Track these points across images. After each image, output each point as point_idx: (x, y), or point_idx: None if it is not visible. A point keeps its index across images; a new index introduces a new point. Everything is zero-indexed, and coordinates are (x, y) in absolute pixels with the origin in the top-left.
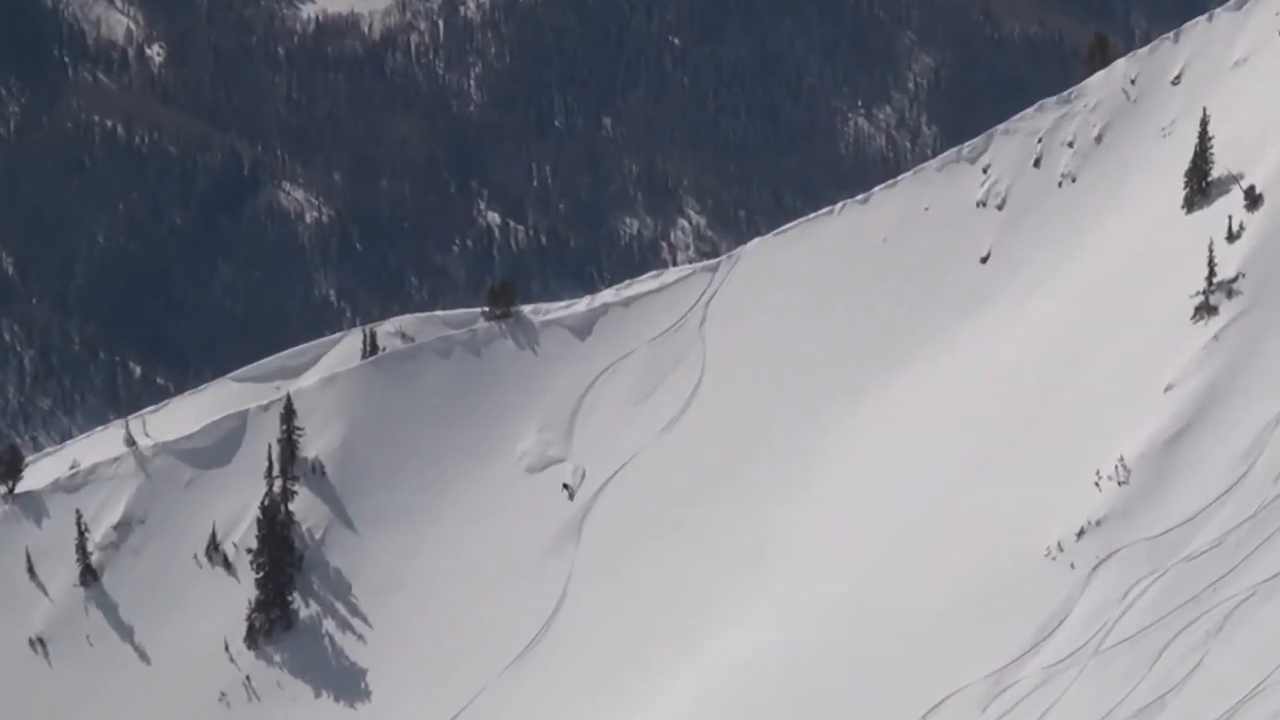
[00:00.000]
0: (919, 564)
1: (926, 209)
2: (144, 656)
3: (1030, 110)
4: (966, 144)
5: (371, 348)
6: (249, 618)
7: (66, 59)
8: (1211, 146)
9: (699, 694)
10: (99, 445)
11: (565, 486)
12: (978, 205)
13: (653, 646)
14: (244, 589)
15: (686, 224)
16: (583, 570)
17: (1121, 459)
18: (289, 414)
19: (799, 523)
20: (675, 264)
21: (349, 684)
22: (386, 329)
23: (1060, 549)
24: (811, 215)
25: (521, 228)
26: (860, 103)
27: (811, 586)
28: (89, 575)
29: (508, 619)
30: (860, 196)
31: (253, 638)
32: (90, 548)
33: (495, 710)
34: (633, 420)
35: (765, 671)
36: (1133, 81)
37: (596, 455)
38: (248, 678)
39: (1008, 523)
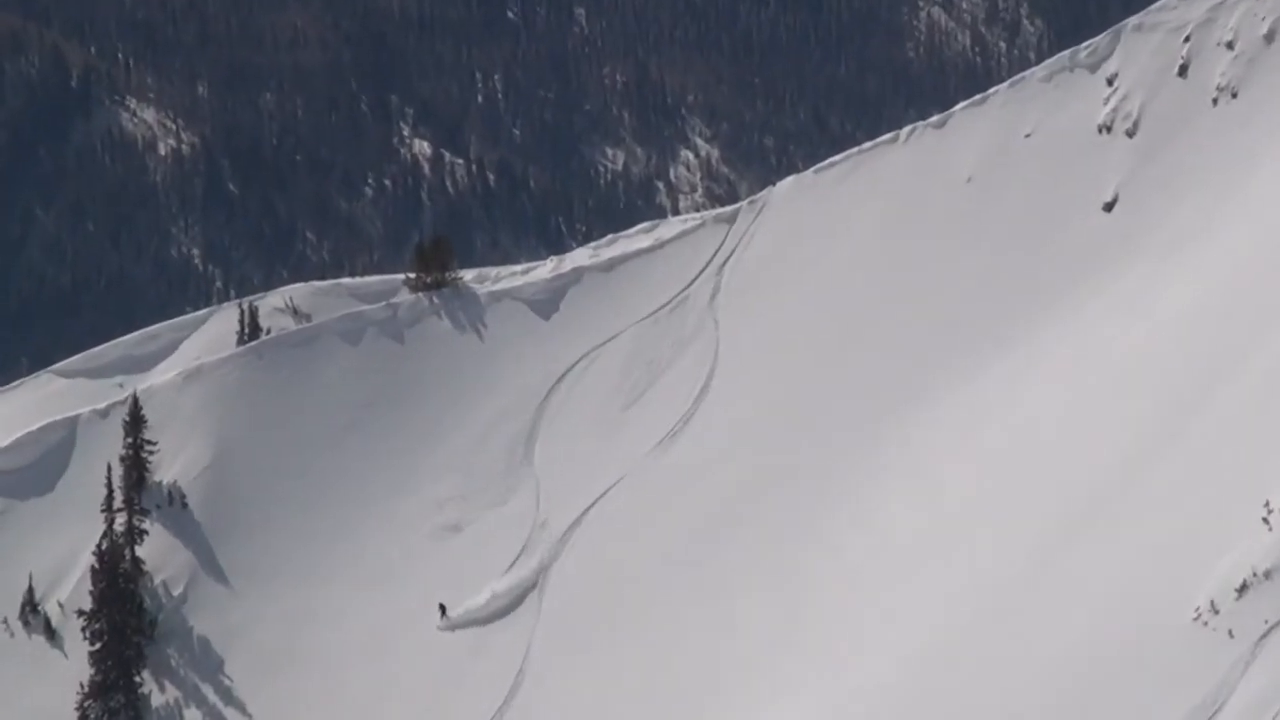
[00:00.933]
0: (1021, 630)
1: (1028, 136)
2: None
3: None
4: (1084, 45)
5: (251, 329)
6: (80, 707)
7: None
8: None
9: None
10: None
11: (440, 609)
12: (1100, 131)
13: None
14: (74, 666)
15: (692, 156)
16: (542, 651)
17: None
18: (135, 422)
19: (848, 579)
20: (676, 212)
21: None
22: (272, 303)
23: (1214, 610)
24: (867, 145)
25: (460, 161)
26: None
27: (871, 663)
28: None
29: (436, 713)
30: (935, 119)
31: None
32: None
33: None
34: (615, 434)
35: None
36: None
37: (564, 483)
38: None
39: (1140, 574)
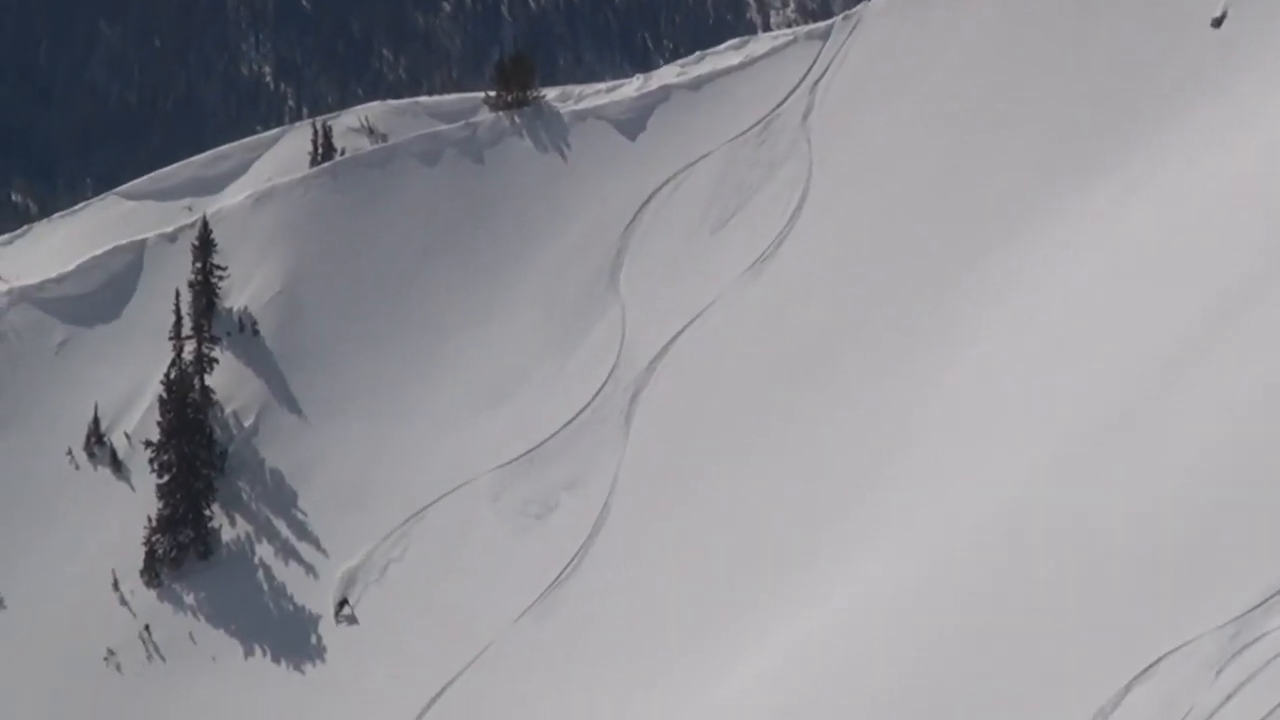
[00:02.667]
0: (1127, 460)
1: None
2: None
3: None
4: None
5: (325, 150)
6: (148, 542)
7: None
8: None
9: (803, 644)
10: None
11: (343, 604)
12: None
13: (733, 584)
14: (141, 500)
15: None
16: (629, 479)
17: None
18: (205, 246)
19: (945, 413)
20: (768, 28)
21: (291, 637)
22: (346, 123)
23: None
24: None
25: None
26: None
27: (965, 499)
28: None
29: (521, 547)
30: None
31: (154, 570)
32: None
33: (502, 677)
34: (703, 259)
35: (901, 616)
36: None
37: (651, 310)
38: (146, 628)
39: (1262, 395)
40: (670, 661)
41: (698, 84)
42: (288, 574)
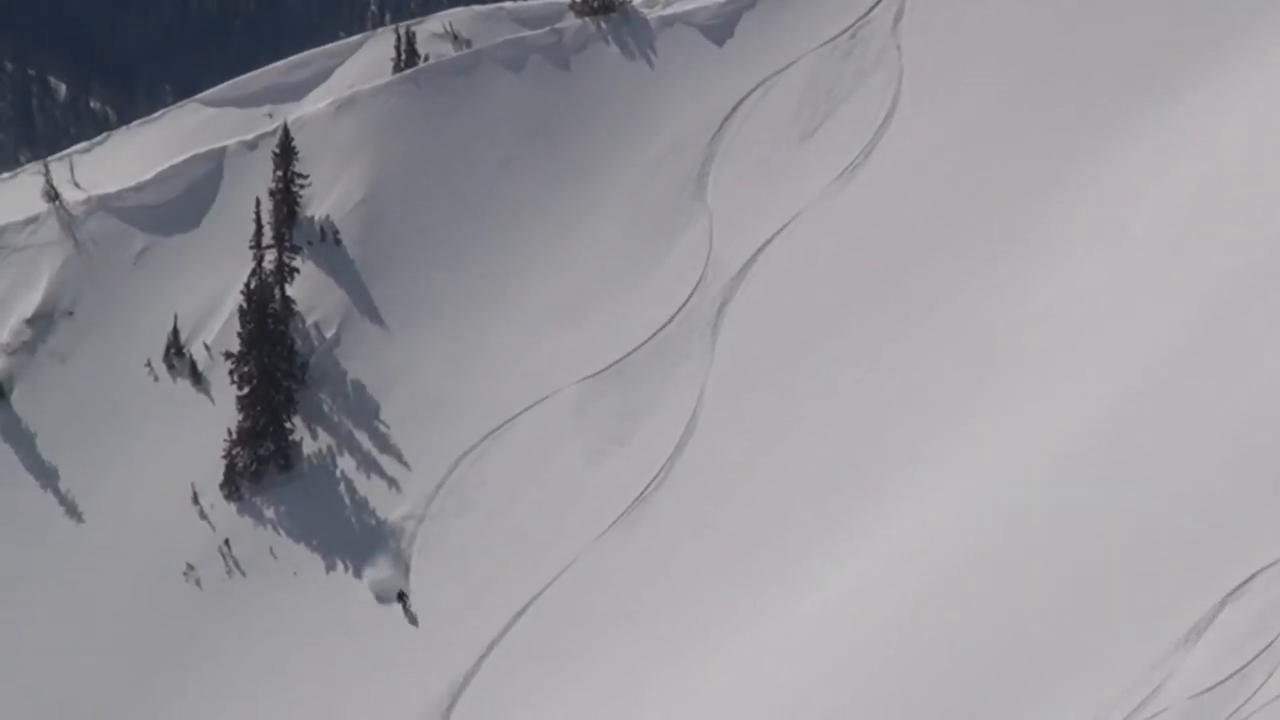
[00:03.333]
0: (1220, 372)
1: None
2: (72, 511)
3: None
4: None
5: (408, 56)
6: (228, 455)
7: None
8: None
9: (892, 561)
10: (5, 199)
11: (401, 597)
12: None
13: (822, 499)
14: (220, 412)
15: None
16: (715, 391)
17: None
18: (286, 154)
19: (1034, 326)
20: None
21: (373, 549)
22: (430, 28)
23: None
24: None
25: None
26: None
27: (1062, 421)
28: None
29: (605, 463)
30: None
31: (234, 484)
32: None
33: (586, 592)
34: (792, 167)
35: (988, 534)
36: None
37: (739, 219)
38: (226, 542)
39: None
40: (758, 575)
41: None
42: (369, 487)
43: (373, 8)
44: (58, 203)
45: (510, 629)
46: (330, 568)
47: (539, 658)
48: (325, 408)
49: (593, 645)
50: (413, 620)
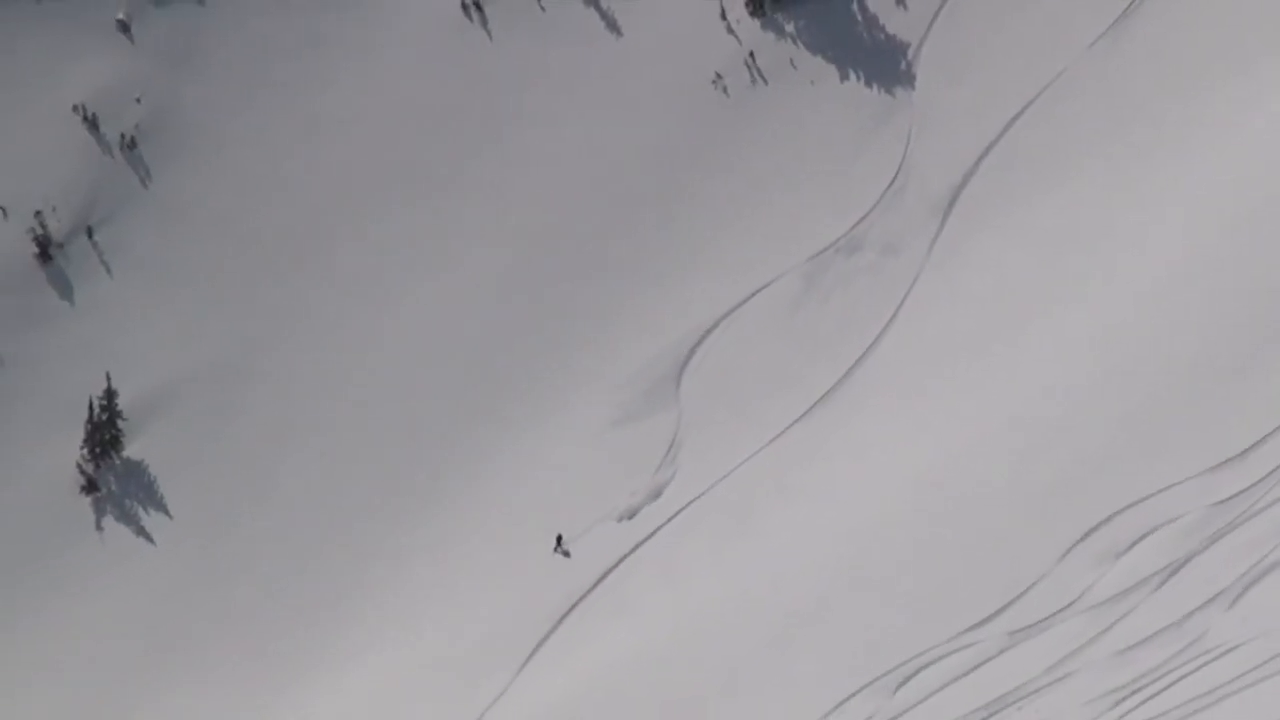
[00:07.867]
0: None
1: None
2: (612, 26)
3: None
4: None
5: None
6: None
7: None
8: None
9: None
10: None
11: (559, 541)
12: None
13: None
14: None
15: None
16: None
17: None
18: None
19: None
20: None
21: (882, 61)
22: None
23: None
24: None
25: None
26: None
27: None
28: None
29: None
30: None
31: (759, 2)
32: None
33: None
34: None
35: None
36: None
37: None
38: (751, 54)
39: None
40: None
41: None
42: (880, 4)
43: None
44: None
45: None
46: (844, 78)
47: None
48: None
49: None
50: None
